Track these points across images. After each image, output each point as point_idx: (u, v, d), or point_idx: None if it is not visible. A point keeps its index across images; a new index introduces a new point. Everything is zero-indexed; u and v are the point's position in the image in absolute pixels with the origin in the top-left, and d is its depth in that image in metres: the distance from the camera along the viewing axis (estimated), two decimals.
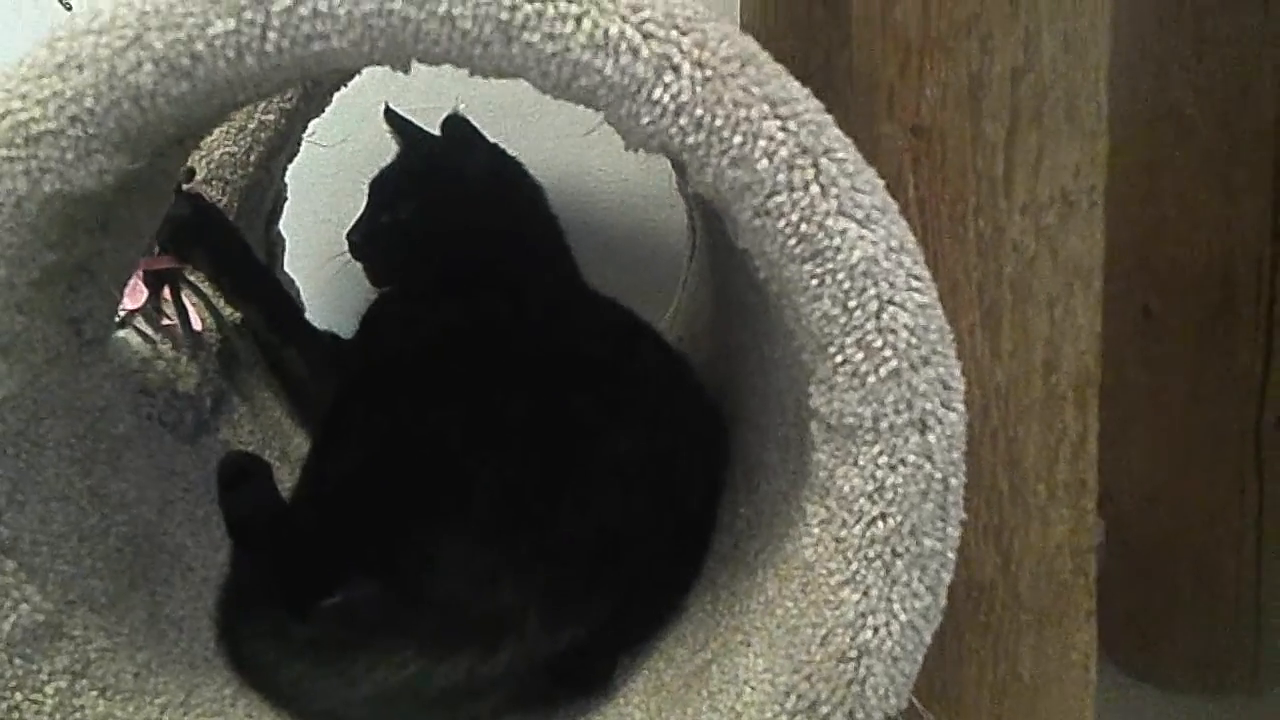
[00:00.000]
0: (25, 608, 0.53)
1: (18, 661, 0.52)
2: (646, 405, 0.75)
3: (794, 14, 0.90)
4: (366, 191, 0.99)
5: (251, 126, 0.90)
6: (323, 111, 0.98)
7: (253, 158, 0.91)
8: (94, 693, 0.55)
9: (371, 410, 0.78)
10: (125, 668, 0.58)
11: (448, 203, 0.95)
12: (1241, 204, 1.00)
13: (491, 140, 1.02)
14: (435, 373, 0.77)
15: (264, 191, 0.97)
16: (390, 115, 1.02)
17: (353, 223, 0.97)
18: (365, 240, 0.96)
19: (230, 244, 0.87)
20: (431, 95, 1.24)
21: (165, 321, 0.79)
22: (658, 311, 1.09)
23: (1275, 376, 1.03)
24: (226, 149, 0.89)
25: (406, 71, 0.50)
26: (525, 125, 1.23)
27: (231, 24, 0.45)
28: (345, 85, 0.96)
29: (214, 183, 0.88)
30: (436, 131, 1.00)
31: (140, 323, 0.76)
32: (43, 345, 0.55)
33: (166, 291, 0.80)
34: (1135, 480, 1.08)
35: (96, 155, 0.47)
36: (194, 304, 0.82)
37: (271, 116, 0.90)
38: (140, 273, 0.77)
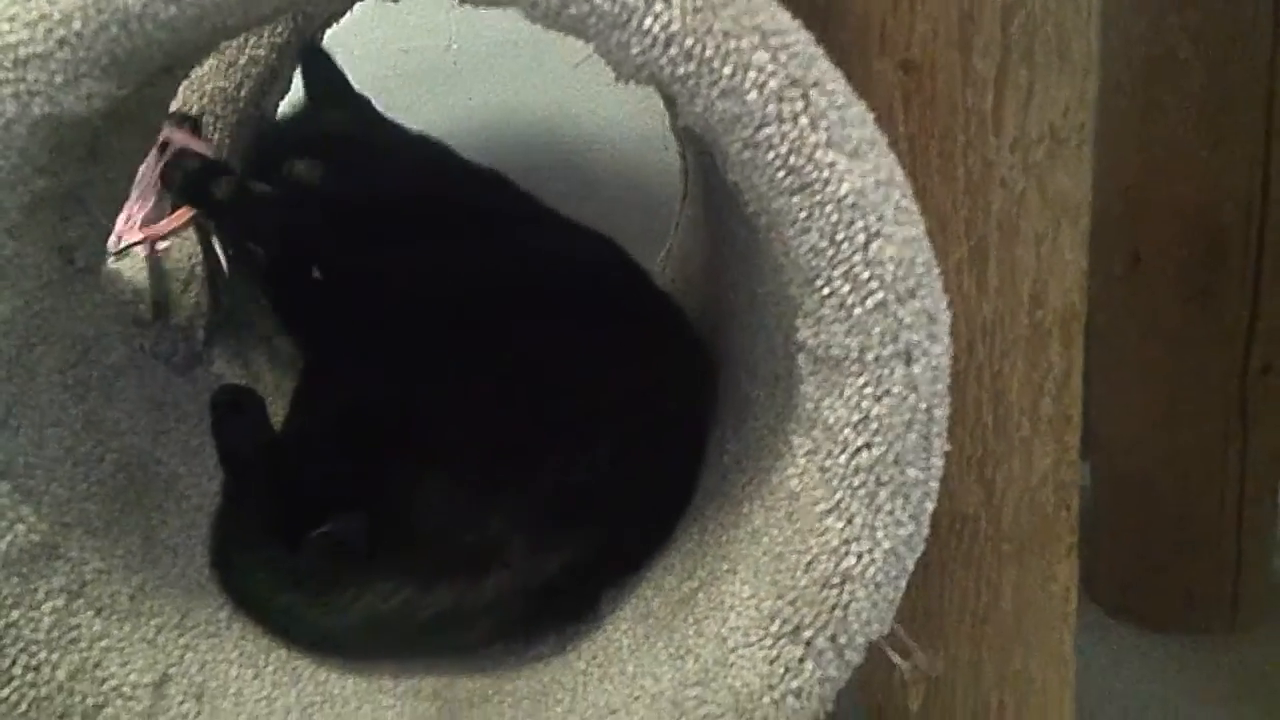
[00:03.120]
0: (21, 528, 0.54)
1: (14, 580, 0.53)
2: (630, 338, 0.76)
3: None
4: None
5: (242, 61, 0.89)
6: (320, 42, 0.98)
7: (244, 93, 0.90)
8: (90, 612, 0.56)
9: (358, 346, 0.79)
10: (121, 589, 0.59)
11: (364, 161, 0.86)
12: (1232, 151, 1.00)
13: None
14: (420, 310, 0.78)
15: (255, 127, 0.96)
16: (312, 54, 0.92)
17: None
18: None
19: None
20: (424, 33, 1.24)
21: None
22: (651, 254, 1.09)
23: (1262, 323, 1.04)
24: (217, 83, 0.88)
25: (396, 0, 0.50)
26: (519, 65, 1.23)
27: None
28: (337, 22, 0.95)
29: (205, 118, 0.88)
30: None
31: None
32: (35, 272, 0.55)
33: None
34: (1121, 424, 1.09)
35: (85, 79, 0.47)
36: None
37: (262, 51, 0.90)
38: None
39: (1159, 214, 1.04)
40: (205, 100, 0.88)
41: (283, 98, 1.01)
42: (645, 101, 1.23)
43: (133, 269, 0.75)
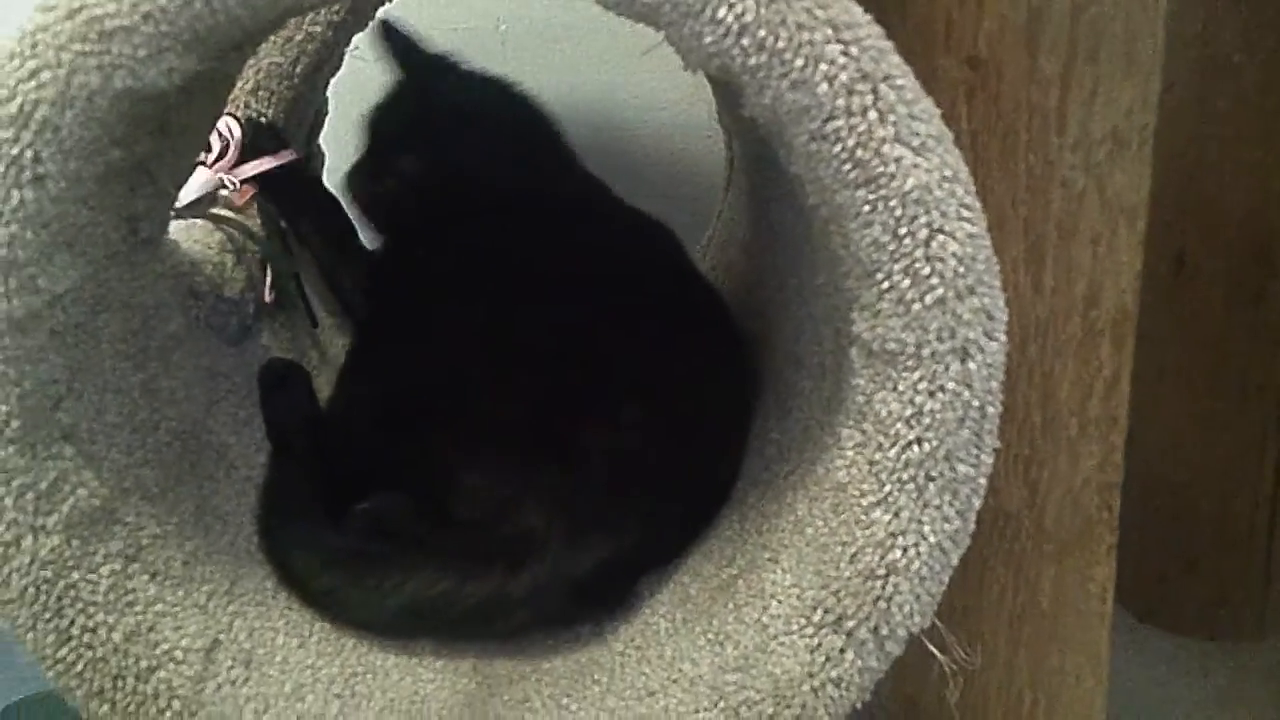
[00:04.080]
0: (83, 492, 0.55)
1: (75, 543, 0.55)
2: (676, 326, 0.76)
3: None
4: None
5: (299, 38, 0.90)
6: (366, 26, 0.98)
7: (298, 69, 0.91)
8: (145, 577, 0.57)
9: (402, 330, 0.80)
10: (175, 555, 0.60)
11: (456, 146, 0.91)
12: None
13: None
14: (471, 291, 0.78)
15: (307, 104, 0.97)
16: (388, 31, 0.96)
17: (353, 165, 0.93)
18: (372, 193, 0.92)
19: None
20: (474, 13, 1.24)
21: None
22: (692, 239, 1.09)
23: None
24: (273, 59, 0.89)
25: None
26: (567, 46, 1.23)
27: None
28: (390, 1, 0.96)
29: (260, 93, 0.89)
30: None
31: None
32: (103, 241, 0.56)
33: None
34: (1158, 425, 1.08)
35: (167, 53, 0.47)
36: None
37: (319, 28, 0.90)
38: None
39: (1206, 216, 1.03)
40: (261, 75, 0.89)
41: (334, 74, 1.02)
42: (690, 87, 1.23)
43: (190, 240, 0.76)
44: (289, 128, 0.93)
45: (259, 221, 0.85)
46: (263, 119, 0.87)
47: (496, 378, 0.72)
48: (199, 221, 0.79)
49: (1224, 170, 1.02)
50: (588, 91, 1.27)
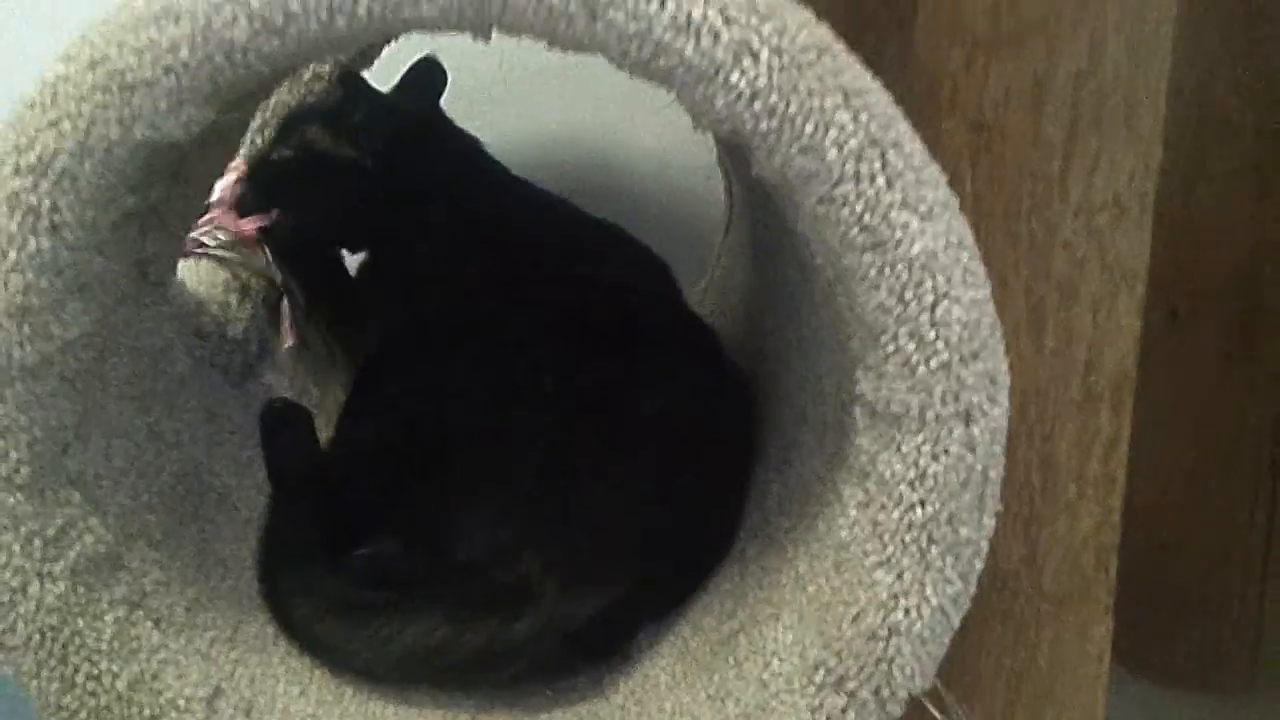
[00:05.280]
0: (89, 538, 0.55)
1: (81, 590, 0.54)
2: (677, 373, 0.76)
3: None
4: None
5: (307, 77, 0.90)
6: (372, 64, 0.99)
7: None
8: (149, 623, 0.57)
9: (400, 372, 0.80)
10: (178, 601, 0.60)
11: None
12: (1275, 210, 1.01)
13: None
14: (463, 335, 0.78)
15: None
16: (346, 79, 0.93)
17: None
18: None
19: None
20: (476, 54, 1.26)
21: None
22: (690, 281, 1.10)
23: None
24: (281, 98, 0.89)
25: (487, 40, 0.51)
26: (568, 88, 1.24)
27: None
28: (396, 39, 0.97)
29: (266, 131, 0.89)
30: None
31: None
32: (114, 285, 0.57)
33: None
34: (1150, 479, 1.09)
35: (187, 106, 0.48)
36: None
37: (327, 67, 0.91)
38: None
39: (1199, 271, 1.04)
40: (268, 114, 0.89)
41: None
42: (690, 129, 1.24)
43: (195, 280, 0.77)
44: None
45: (266, 261, 0.86)
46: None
47: (496, 421, 0.73)
48: (204, 261, 0.79)
49: (1217, 225, 1.03)
50: (587, 131, 1.28)
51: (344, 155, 0.87)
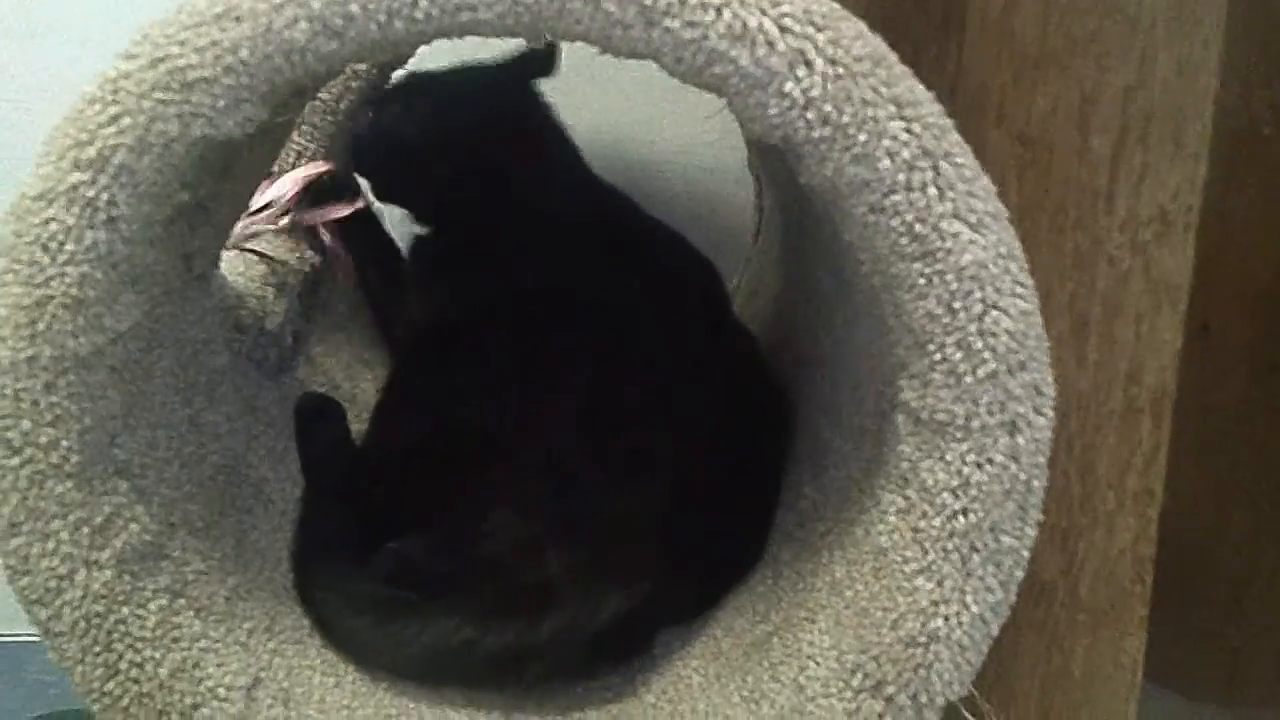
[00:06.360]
0: (135, 527, 0.56)
1: (126, 578, 0.55)
2: (713, 374, 0.77)
3: (883, 3, 0.91)
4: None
5: (344, 75, 0.91)
6: (406, 63, 1.00)
7: (342, 105, 0.92)
8: (190, 612, 0.58)
9: (435, 371, 0.80)
10: (218, 591, 0.60)
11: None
12: None
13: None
14: (500, 333, 0.79)
15: (347, 137, 0.98)
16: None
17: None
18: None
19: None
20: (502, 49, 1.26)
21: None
22: None
23: None
24: (320, 96, 0.90)
25: (540, 45, 0.52)
26: (596, 89, 1.24)
27: None
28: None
29: (304, 127, 0.90)
30: None
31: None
32: (163, 278, 0.57)
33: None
34: (1178, 492, 1.09)
35: (245, 104, 0.48)
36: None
37: (363, 66, 0.92)
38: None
39: (1231, 285, 1.04)
40: (307, 111, 0.90)
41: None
42: (721, 133, 1.25)
43: (234, 273, 0.77)
44: (330, 159, 0.94)
45: (301, 254, 0.87)
46: (332, 173, 0.89)
47: (528, 420, 0.73)
48: (243, 254, 0.80)
49: (1250, 240, 1.02)
50: (619, 132, 1.28)
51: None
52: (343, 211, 0.87)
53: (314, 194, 0.86)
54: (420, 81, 0.94)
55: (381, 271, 0.94)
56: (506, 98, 0.93)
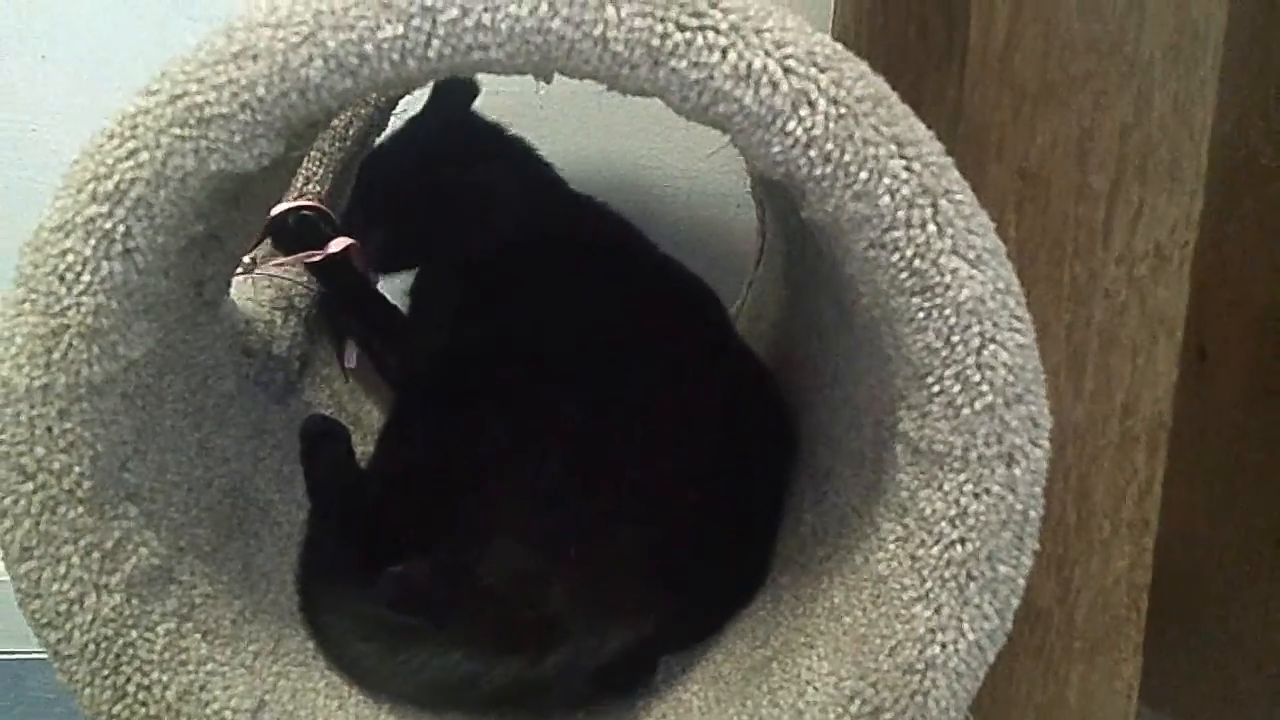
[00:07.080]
0: (144, 551, 0.57)
1: (134, 602, 0.56)
2: (717, 400, 0.77)
3: (886, 35, 0.92)
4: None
5: (355, 104, 0.92)
6: (413, 90, 1.01)
7: (351, 132, 0.93)
8: (197, 635, 0.59)
9: (440, 401, 0.81)
10: (225, 614, 0.61)
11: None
12: None
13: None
14: (504, 364, 0.79)
15: (355, 165, 1.00)
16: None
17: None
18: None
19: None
20: (506, 80, 1.27)
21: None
22: None
23: None
24: (331, 123, 0.91)
25: (549, 82, 0.53)
26: (605, 112, 1.25)
27: (400, 29, 0.47)
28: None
29: (314, 154, 0.91)
30: None
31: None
32: (175, 306, 0.58)
33: None
34: (1174, 517, 1.09)
35: (260, 140, 0.49)
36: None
37: (373, 96, 0.93)
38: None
39: (1228, 311, 1.05)
40: (315, 139, 0.91)
41: (380, 134, 1.05)
42: (724, 158, 1.26)
43: (242, 298, 0.78)
44: (337, 187, 0.95)
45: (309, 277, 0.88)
46: (310, 214, 0.90)
47: (532, 449, 0.73)
48: (252, 278, 0.81)
49: (1247, 266, 1.03)
50: (622, 157, 1.29)
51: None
52: (307, 258, 0.87)
53: (292, 234, 0.86)
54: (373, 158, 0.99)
55: (359, 309, 0.95)
56: (448, 128, 0.97)
